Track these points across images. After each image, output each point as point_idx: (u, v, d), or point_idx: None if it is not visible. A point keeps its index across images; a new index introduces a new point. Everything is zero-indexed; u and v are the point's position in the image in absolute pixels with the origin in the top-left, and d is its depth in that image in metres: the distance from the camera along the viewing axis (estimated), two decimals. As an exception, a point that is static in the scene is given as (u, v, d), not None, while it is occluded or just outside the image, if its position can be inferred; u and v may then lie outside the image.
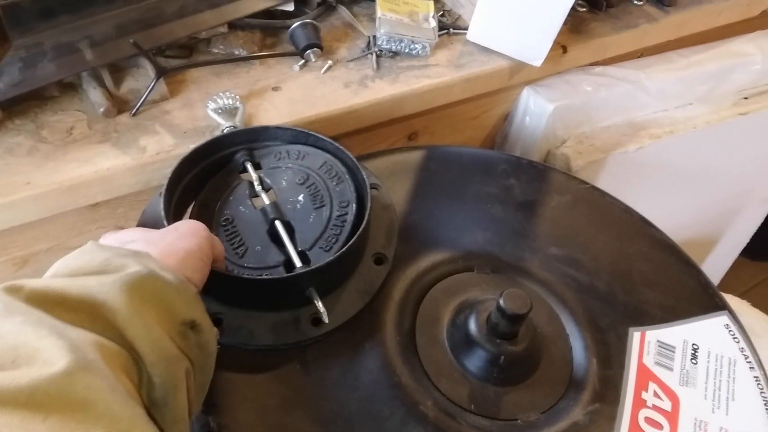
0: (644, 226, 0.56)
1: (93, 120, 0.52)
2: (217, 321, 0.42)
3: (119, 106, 0.53)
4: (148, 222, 0.46)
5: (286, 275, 0.42)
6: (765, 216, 1.16)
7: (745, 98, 0.90)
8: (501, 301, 0.41)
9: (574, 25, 0.73)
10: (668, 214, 0.95)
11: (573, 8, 0.74)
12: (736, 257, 1.27)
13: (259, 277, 0.42)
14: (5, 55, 0.47)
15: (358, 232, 0.43)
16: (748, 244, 1.93)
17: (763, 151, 0.95)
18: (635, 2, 0.78)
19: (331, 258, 0.42)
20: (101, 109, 0.52)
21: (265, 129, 0.50)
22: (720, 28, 0.86)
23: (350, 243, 0.43)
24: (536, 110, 0.74)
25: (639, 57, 0.82)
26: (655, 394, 0.44)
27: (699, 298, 0.51)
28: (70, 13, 0.50)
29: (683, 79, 0.82)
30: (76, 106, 0.53)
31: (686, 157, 0.85)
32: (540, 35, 0.63)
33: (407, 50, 0.64)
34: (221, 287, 0.41)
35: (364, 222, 0.44)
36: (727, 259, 1.24)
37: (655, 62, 0.81)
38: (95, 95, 0.52)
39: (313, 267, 0.41)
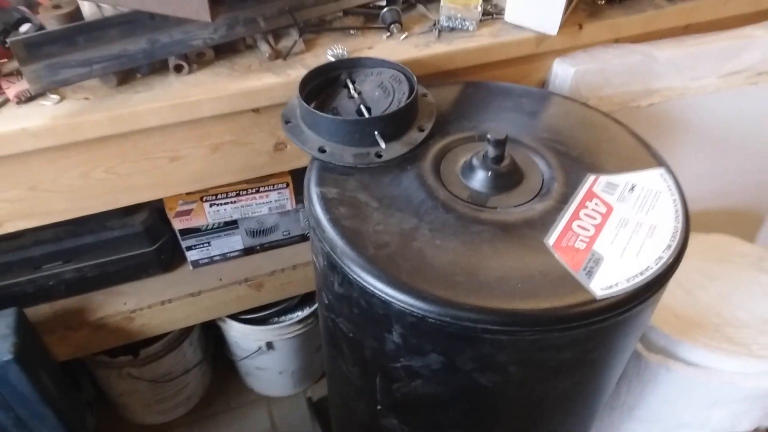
0: (615, 123, 0.79)
1: (262, 61, 0.87)
2: (322, 150, 0.72)
3: (277, 54, 0.88)
4: (289, 109, 0.79)
5: (360, 117, 0.72)
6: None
7: (759, 74, 1.08)
8: (488, 135, 0.67)
9: (592, 12, 0.99)
10: (697, 176, 1.12)
11: (593, 0, 1.01)
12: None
13: (347, 118, 0.72)
14: (218, 19, 0.83)
15: (407, 103, 0.73)
16: None
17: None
18: (647, -4, 1.02)
19: (387, 112, 0.71)
20: (267, 55, 0.87)
21: (359, 59, 0.82)
22: (730, 19, 1.06)
23: (400, 107, 0.72)
24: (562, 74, 0.99)
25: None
26: (596, 204, 0.67)
27: (646, 162, 0.73)
28: (254, 1, 0.87)
29: (693, 54, 1.02)
30: (253, 55, 0.89)
31: (698, 119, 1.04)
32: (552, 10, 0.89)
33: (460, 26, 0.94)
34: (326, 128, 0.72)
35: (411, 98, 0.73)
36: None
37: (667, 42, 1.03)
38: (264, 48, 0.88)
39: (375, 115, 0.71)
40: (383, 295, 0.58)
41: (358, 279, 0.59)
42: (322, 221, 0.64)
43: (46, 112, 0.77)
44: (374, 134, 0.72)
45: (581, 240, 0.62)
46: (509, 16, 0.94)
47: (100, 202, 0.88)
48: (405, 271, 0.59)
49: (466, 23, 0.94)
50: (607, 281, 0.58)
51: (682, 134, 1.05)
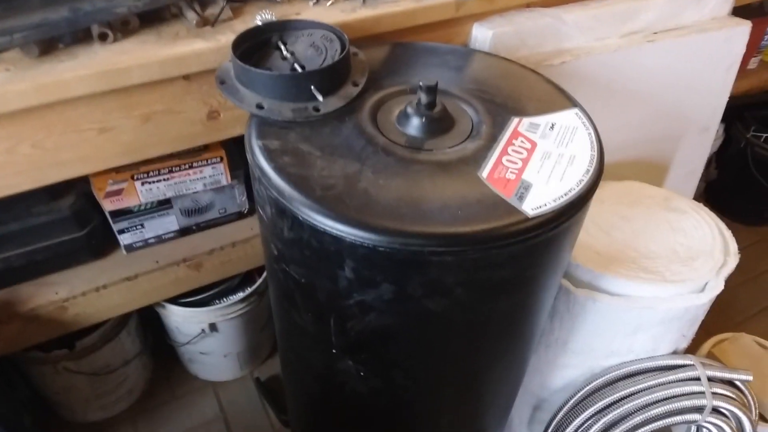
0: (533, 73, 0.85)
1: (190, 29, 0.87)
2: (260, 106, 0.74)
3: (204, 21, 0.88)
4: (223, 71, 0.80)
5: (298, 72, 0.74)
6: (708, 144, 1.40)
7: (655, 33, 1.19)
8: (420, 82, 0.71)
9: (505, -22, 1.06)
10: (609, 129, 1.21)
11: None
12: (696, 187, 1.50)
13: (284, 73, 0.74)
14: (144, -13, 0.83)
15: (340, 58, 0.75)
16: (742, 210, 2.14)
17: (678, 79, 1.22)
18: (553, -36, 1.10)
19: (322, 66, 0.74)
20: (194, 22, 0.87)
21: (289, 21, 0.84)
22: (626, -17, 1.16)
23: (334, 62, 0.75)
24: (481, 37, 1.05)
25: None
26: (522, 142, 0.73)
27: (562, 104, 0.79)
28: (177, -33, 0.87)
29: (596, 16, 1.12)
30: (179, 23, 0.88)
31: (605, 75, 1.13)
32: (469, -26, 0.95)
33: (384, -8, 0.97)
34: (263, 85, 0.74)
35: (344, 53, 0.76)
36: (686, 185, 1.47)
37: (573, 5, 1.12)
38: (190, 15, 0.88)
39: (311, 69, 0.74)
40: (334, 230, 0.60)
41: (309, 219, 0.62)
42: (267, 170, 0.66)
43: (-36, 84, 0.74)
44: (311, 88, 0.74)
45: (511, 172, 0.68)
46: (429, -19, 0.99)
47: (27, 179, 0.85)
48: (353, 208, 0.61)
49: (389, -11, 0.97)
50: (537, 203, 0.63)
51: (592, 90, 1.14)
